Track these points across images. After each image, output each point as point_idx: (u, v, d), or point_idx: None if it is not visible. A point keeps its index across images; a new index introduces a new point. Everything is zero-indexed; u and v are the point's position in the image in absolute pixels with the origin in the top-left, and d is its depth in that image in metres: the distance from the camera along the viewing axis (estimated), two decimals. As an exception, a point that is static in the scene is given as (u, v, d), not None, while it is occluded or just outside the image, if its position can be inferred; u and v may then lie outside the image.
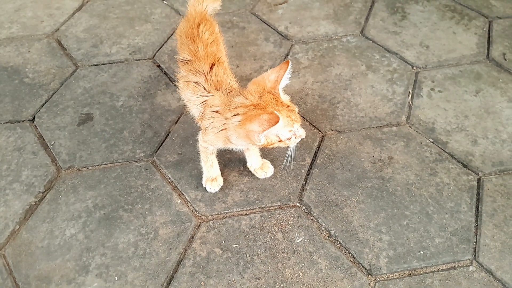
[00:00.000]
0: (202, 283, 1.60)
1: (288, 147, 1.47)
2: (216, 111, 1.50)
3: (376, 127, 2.08)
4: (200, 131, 1.69)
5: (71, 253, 1.69)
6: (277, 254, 1.66)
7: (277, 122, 1.29)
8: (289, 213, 1.77)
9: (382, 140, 2.02)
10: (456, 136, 2.03)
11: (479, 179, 1.88)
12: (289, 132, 1.40)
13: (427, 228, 1.72)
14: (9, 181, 1.92)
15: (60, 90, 2.31)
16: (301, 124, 1.45)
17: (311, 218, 1.76)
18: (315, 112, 2.15)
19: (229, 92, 1.54)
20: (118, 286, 1.60)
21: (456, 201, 1.81)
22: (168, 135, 2.08)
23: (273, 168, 1.89)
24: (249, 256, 1.66)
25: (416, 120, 2.10)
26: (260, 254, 1.66)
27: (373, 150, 1.99)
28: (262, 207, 1.80)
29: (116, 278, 1.62)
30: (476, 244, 1.69)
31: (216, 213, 1.79)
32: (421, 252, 1.66)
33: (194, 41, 1.68)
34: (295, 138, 1.44)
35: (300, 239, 1.69)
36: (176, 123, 2.13)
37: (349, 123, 2.10)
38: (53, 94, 2.29)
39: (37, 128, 2.13)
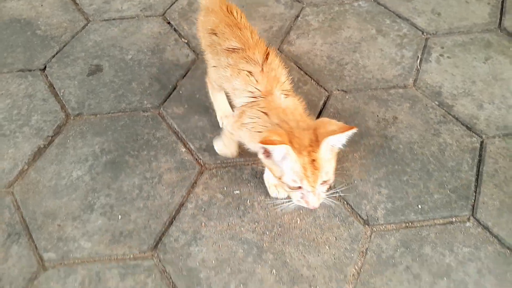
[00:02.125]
0: (203, 224, 1.64)
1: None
2: (266, 113, 1.37)
3: (383, 88, 2.09)
4: (232, 118, 1.55)
5: (77, 193, 1.74)
6: (277, 200, 1.69)
7: (270, 144, 1.18)
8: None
9: (387, 101, 2.03)
10: (462, 100, 2.03)
11: (482, 142, 1.89)
12: (292, 181, 1.24)
13: (426, 184, 1.74)
14: (19, 124, 1.96)
15: (71, 42, 2.34)
16: (319, 195, 1.27)
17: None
18: (322, 72, 2.16)
19: (285, 96, 1.42)
20: (121, 224, 1.65)
21: (457, 160, 1.82)
22: (175, 88, 2.11)
23: None
24: (249, 202, 1.70)
25: (423, 83, 2.11)
26: (260, 201, 1.70)
27: (378, 110, 2.00)
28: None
29: (119, 217, 1.67)
30: (474, 201, 1.70)
31: (219, 162, 1.82)
32: (419, 206, 1.68)
33: (240, 29, 1.56)
34: (302, 199, 1.28)
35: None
36: (183, 77, 2.16)
37: (355, 83, 2.11)
38: (64, 46, 2.32)
39: (47, 77, 2.17)
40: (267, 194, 1.70)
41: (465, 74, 2.15)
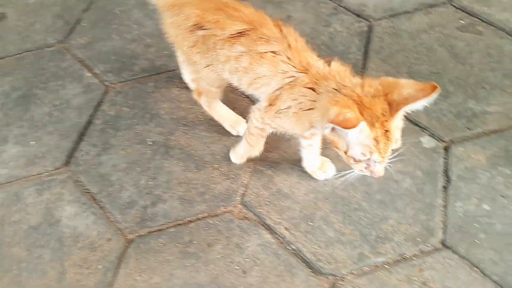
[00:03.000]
0: (111, 135, 1.73)
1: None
2: (312, 88, 1.22)
3: (277, -8, 2.17)
4: (258, 111, 1.38)
5: (-9, 130, 1.80)
6: (181, 104, 1.79)
7: (349, 127, 1.06)
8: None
9: (282, 3, 2.12)
10: (352, -8, 2.14)
11: (369, 25, 2.01)
12: (361, 155, 1.14)
13: (318, 69, 1.86)
14: None
15: (-30, -6, 2.32)
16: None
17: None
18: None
19: (326, 63, 1.28)
20: (35, 148, 1.73)
21: (347, 45, 1.95)
22: (79, 22, 2.15)
23: (334, 167, 1.59)
24: (154, 110, 1.80)
25: (312, -19, 2.19)
26: (165, 107, 1.80)
27: (274, 12, 2.09)
28: (168, 70, 1.91)
29: (33, 142, 1.75)
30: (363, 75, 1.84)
31: (124, 80, 1.90)
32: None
33: (235, 8, 1.34)
34: (366, 168, 1.20)
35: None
36: (86, 11, 2.19)
37: (252, -8, 2.18)
38: (-36, -1, 2.31)
39: (-49, 31, 2.17)
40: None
41: (355, -32, 2.24)
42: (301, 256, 1.45)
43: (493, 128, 1.70)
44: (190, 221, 1.53)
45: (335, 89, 1.16)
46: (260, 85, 1.33)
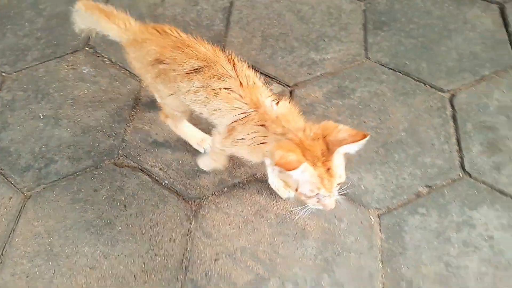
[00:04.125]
0: (9, 115, 1.98)
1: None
2: (263, 125, 1.32)
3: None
4: (218, 135, 1.48)
5: None
6: (68, 83, 2.07)
7: (291, 169, 1.15)
8: (78, 55, 2.18)
9: (158, -10, 2.44)
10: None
11: (231, 1, 2.36)
12: (310, 191, 1.24)
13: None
14: None
15: None
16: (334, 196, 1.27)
17: (98, 55, 2.18)
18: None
19: (277, 103, 1.36)
20: None
21: (211, 19, 2.29)
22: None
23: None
24: (45, 90, 2.07)
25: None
26: (54, 86, 2.07)
27: (150, -1, 2.40)
28: (57, 56, 2.19)
29: None
30: (225, 42, 2.18)
31: (19, 69, 2.16)
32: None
33: (190, 46, 1.42)
34: (317, 203, 1.29)
35: (86, 70, 2.11)
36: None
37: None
38: None
39: None
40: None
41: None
42: (172, 188, 1.76)
43: (329, 71, 2.08)
44: (78, 175, 1.81)
45: (281, 133, 1.27)
46: (218, 116, 1.41)
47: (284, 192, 1.68)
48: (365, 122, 1.89)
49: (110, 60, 2.16)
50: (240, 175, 1.78)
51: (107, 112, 1.98)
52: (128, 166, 1.83)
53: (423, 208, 1.67)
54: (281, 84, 2.04)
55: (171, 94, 1.53)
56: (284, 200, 1.71)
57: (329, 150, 1.20)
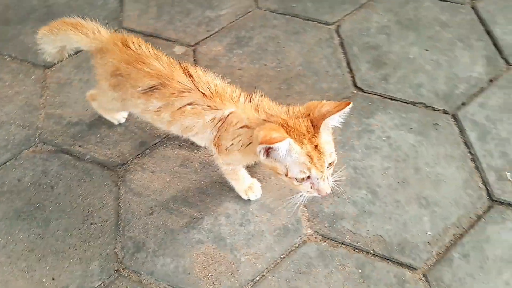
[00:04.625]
0: None
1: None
2: (244, 126, 1.25)
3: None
4: (217, 154, 1.44)
5: None
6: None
7: (275, 142, 1.07)
8: None
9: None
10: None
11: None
12: (300, 173, 1.15)
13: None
14: None
15: None
16: (328, 179, 1.20)
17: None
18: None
19: (250, 100, 1.30)
20: None
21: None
22: None
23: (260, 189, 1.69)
24: None
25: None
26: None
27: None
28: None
29: None
30: (122, 18, 2.23)
31: None
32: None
33: (144, 62, 1.35)
34: (311, 189, 1.20)
35: None
36: None
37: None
38: None
39: None
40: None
41: None
42: (95, 161, 1.82)
43: (226, 25, 2.20)
44: (-1, 169, 1.82)
45: (264, 119, 1.22)
46: (194, 132, 1.36)
47: (244, 195, 1.67)
48: (265, 64, 2.03)
49: (10, 56, 2.15)
50: (160, 135, 1.86)
51: (16, 105, 1.98)
52: (47, 151, 1.86)
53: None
54: (183, 46, 2.14)
55: (124, 104, 1.51)
56: (204, 148, 1.82)
57: (314, 127, 1.15)
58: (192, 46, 2.14)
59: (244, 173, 1.62)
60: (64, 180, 1.77)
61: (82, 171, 1.79)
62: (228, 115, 1.28)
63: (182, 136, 1.54)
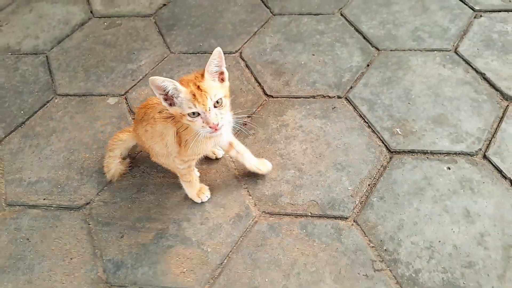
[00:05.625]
0: None
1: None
2: (165, 117, 1.65)
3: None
4: (174, 159, 1.81)
5: None
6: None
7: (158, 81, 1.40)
8: None
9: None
10: None
11: (46, 56, 2.71)
12: (188, 108, 1.43)
13: None
14: None
15: None
16: (215, 114, 1.48)
17: None
18: None
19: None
20: None
21: (35, 75, 2.61)
22: None
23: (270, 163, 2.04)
24: None
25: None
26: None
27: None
28: None
29: None
30: (55, 87, 2.52)
31: None
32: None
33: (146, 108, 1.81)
34: (204, 123, 1.47)
35: None
36: None
37: None
38: None
39: None
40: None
41: None
42: (62, 208, 2.05)
43: (148, 72, 2.57)
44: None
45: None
46: (166, 140, 1.77)
47: (197, 199, 1.97)
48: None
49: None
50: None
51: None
52: (16, 211, 2.07)
53: (252, 130, 2.25)
54: (115, 96, 2.47)
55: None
56: (157, 173, 2.13)
57: (202, 76, 1.47)
58: (122, 95, 2.47)
59: (195, 175, 1.94)
60: (38, 230, 1.99)
61: (52, 218, 2.02)
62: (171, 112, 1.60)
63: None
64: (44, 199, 2.09)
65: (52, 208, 2.06)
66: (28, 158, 2.24)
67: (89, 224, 1.99)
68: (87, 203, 2.06)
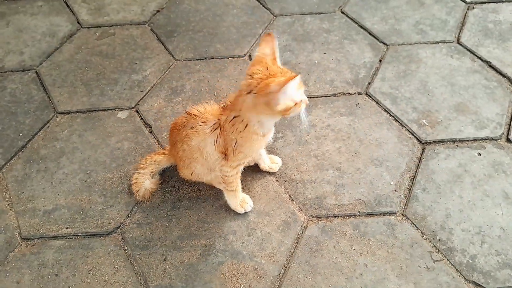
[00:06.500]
0: None
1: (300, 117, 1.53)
2: (234, 117, 1.52)
3: None
4: (223, 167, 1.70)
5: None
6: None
7: (292, 78, 1.32)
8: None
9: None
10: None
11: (36, 71, 2.46)
12: (300, 95, 1.44)
13: None
14: None
15: None
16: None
17: None
18: None
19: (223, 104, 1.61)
20: None
21: (28, 93, 2.36)
22: None
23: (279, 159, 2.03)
24: None
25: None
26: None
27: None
28: None
29: None
30: (54, 105, 2.29)
31: None
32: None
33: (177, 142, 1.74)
34: (302, 104, 1.48)
35: None
36: None
37: None
38: None
39: None
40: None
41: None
42: (90, 235, 1.85)
43: (156, 82, 2.41)
44: (-10, 280, 1.74)
45: (247, 90, 1.44)
46: (204, 153, 1.68)
47: (241, 209, 1.89)
48: (206, 102, 2.27)
49: None
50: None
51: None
52: (36, 245, 1.84)
53: (280, 134, 2.17)
54: (125, 110, 2.29)
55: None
56: (190, 187, 1.98)
57: (278, 66, 1.47)
58: (133, 108, 2.30)
59: (239, 184, 1.82)
60: (66, 263, 1.78)
61: (81, 248, 1.82)
62: (219, 120, 1.58)
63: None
64: (67, 228, 1.88)
65: (78, 237, 1.85)
66: (39, 185, 2.01)
67: (125, 250, 1.81)
68: (118, 227, 1.87)
